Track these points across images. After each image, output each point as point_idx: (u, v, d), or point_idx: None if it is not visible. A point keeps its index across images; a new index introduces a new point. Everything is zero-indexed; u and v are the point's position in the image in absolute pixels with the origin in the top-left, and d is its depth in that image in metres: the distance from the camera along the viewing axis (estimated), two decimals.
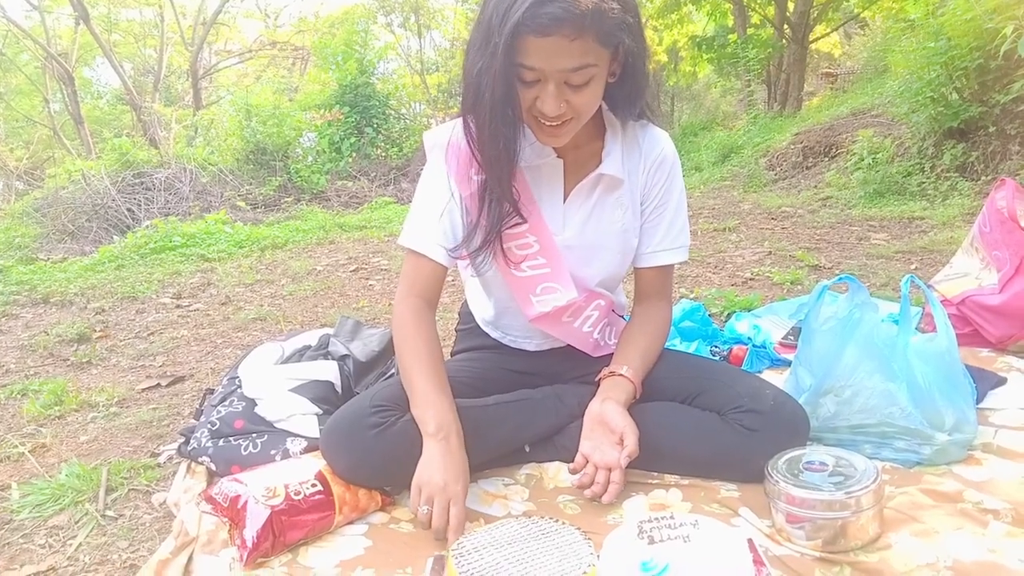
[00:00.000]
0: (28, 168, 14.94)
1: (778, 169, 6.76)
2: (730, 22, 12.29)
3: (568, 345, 1.39)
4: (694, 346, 1.92)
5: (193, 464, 1.39)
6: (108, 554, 1.17)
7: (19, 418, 1.83)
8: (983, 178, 4.32)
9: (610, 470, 1.19)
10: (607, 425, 1.22)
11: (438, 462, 1.11)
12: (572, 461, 1.25)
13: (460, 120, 1.20)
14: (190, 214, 7.05)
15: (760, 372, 1.77)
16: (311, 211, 7.07)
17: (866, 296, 1.33)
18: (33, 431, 1.73)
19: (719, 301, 2.43)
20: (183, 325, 2.76)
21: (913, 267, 2.86)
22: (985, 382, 1.51)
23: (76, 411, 1.86)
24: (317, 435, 1.35)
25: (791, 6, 10.52)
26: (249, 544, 1.06)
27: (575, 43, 1.03)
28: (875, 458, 1.24)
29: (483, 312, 1.47)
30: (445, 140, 1.25)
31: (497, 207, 1.21)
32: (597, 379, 1.31)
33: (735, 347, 1.88)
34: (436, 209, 1.25)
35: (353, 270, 3.74)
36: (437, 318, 2.58)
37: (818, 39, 12.23)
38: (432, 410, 1.15)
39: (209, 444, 1.37)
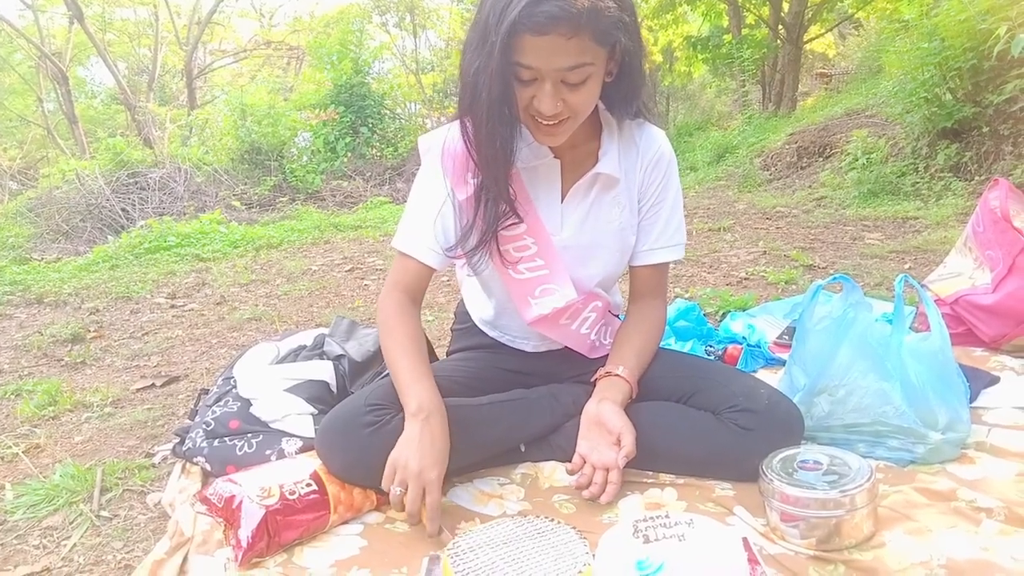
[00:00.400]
0: (22, 168, 14.86)
1: (773, 169, 6.78)
2: (725, 22, 12.32)
3: (565, 347, 1.40)
4: (689, 345, 1.93)
5: (188, 464, 1.39)
6: (103, 555, 1.16)
7: (13, 418, 1.83)
8: (976, 178, 4.34)
9: (608, 470, 1.20)
10: (604, 425, 1.22)
11: (415, 445, 1.10)
12: (567, 460, 1.26)
13: (455, 123, 1.20)
14: (185, 214, 7.03)
15: (755, 371, 1.77)
16: (306, 211, 7.06)
17: (860, 296, 1.34)
18: (27, 431, 1.73)
19: (714, 300, 2.44)
20: (178, 325, 2.76)
21: (907, 267, 2.87)
22: (978, 381, 1.52)
23: (70, 411, 1.85)
24: (312, 435, 1.35)
25: (786, 6, 10.55)
26: (244, 544, 1.06)
27: (571, 42, 1.03)
28: (869, 457, 1.24)
29: (482, 312, 1.47)
30: (440, 143, 1.25)
31: (493, 207, 1.21)
32: (593, 379, 1.32)
33: (730, 346, 1.88)
34: (428, 212, 1.25)
35: (348, 270, 3.74)
36: (433, 318, 2.59)
37: (812, 39, 12.26)
38: (413, 390, 1.15)
39: (204, 444, 1.36)
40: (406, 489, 1.08)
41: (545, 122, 1.13)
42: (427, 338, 1.66)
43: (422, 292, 1.29)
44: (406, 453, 1.10)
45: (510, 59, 1.05)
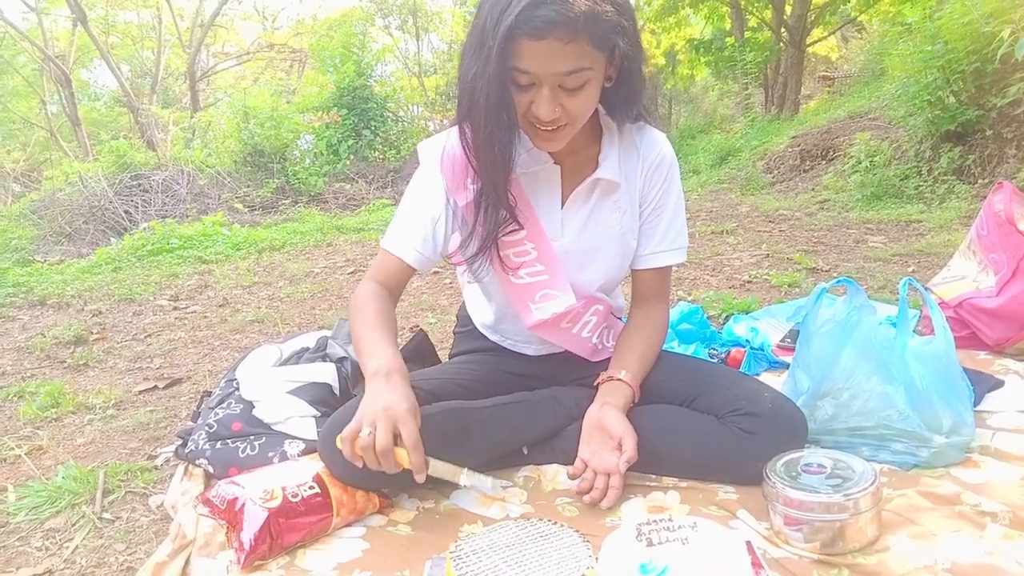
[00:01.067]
0: (25, 170, 14.90)
1: (775, 172, 6.78)
2: (727, 25, 12.34)
3: (567, 350, 1.39)
4: (692, 348, 1.92)
5: (190, 466, 1.39)
6: (105, 557, 1.16)
7: (15, 420, 1.83)
8: (980, 181, 4.33)
9: (609, 475, 1.19)
10: (606, 431, 1.22)
11: (377, 394, 1.05)
12: (570, 464, 1.25)
13: (454, 129, 1.20)
14: (187, 216, 7.04)
15: (758, 374, 1.77)
16: (309, 213, 7.07)
17: (864, 299, 1.33)
18: (30, 433, 1.73)
19: (717, 303, 2.43)
20: (180, 327, 2.76)
21: (911, 270, 2.87)
22: (982, 385, 1.51)
23: (73, 413, 1.85)
24: (315, 437, 1.34)
25: (788, 9, 10.56)
26: (246, 547, 1.06)
27: (569, 46, 1.02)
28: (873, 460, 1.24)
29: (483, 317, 1.47)
30: (440, 149, 1.25)
31: (493, 213, 1.21)
32: (595, 383, 1.31)
33: (733, 349, 1.88)
34: (417, 213, 1.25)
35: (351, 272, 3.74)
36: (436, 320, 2.59)
37: (815, 42, 12.27)
38: (374, 355, 1.11)
39: (207, 446, 1.36)
40: (375, 430, 1.02)
41: (543, 128, 1.12)
42: (430, 341, 1.66)
43: (400, 289, 1.28)
44: (370, 402, 1.05)
45: (508, 64, 1.04)
